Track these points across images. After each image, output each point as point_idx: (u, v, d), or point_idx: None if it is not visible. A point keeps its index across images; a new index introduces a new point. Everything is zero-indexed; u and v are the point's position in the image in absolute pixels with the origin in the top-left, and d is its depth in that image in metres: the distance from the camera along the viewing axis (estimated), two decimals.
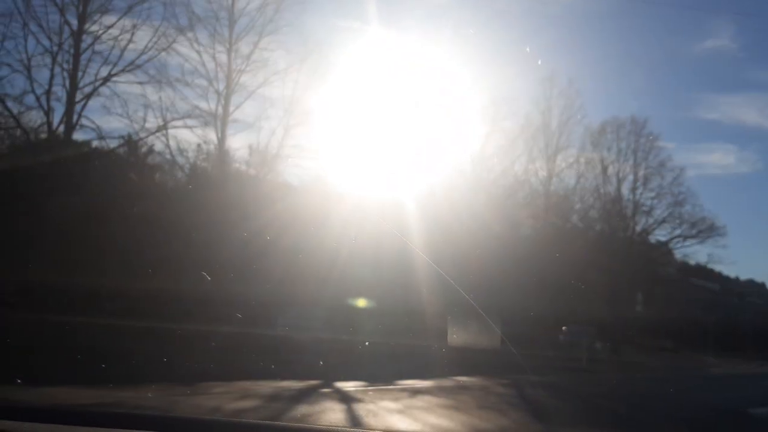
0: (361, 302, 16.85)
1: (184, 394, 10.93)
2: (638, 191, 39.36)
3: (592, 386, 19.18)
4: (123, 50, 24.60)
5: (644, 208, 39.78)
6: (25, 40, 23.53)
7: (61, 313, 15.28)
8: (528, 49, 35.44)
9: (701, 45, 52.44)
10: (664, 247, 42.11)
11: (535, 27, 42.65)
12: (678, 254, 42.07)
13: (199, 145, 26.73)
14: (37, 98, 23.60)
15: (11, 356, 11.63)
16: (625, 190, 39.19)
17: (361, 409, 10.72)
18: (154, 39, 24.89)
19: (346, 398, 11.70)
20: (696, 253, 57.50)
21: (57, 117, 24.17)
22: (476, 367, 16.24)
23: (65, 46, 23.86)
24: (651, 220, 40.09)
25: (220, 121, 26.54)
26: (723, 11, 45.09)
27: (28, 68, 23.52)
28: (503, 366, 19.75)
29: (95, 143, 25.16)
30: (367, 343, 14.75)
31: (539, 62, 36.29)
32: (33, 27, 23.54)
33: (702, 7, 42.38)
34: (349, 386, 13.12)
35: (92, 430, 3.09)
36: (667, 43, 49.82)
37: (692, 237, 40.16)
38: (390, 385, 13.85)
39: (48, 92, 23.47)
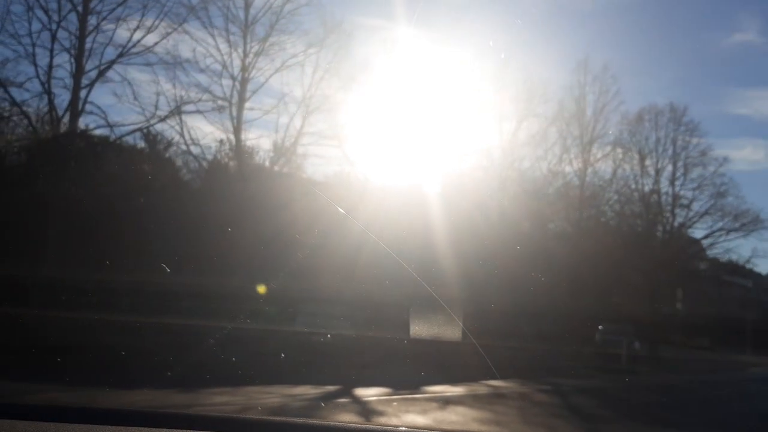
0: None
1: (174, 404, 9.45)
2: (678, 182, 37.27)
3: (642, 392, 17.42)
4: (133, 32, 23.24)
5: (684, 201, 37.66)
6: (30, 24, 22.28)
7: (68, 309, 14.21)
8: (491, 44, 33.04)
9: (730, 39, 50.64)
10: (699, 243, 40.02)
11: (567, 14, 41.01)
12: (719, 248, 39.84)
13: (221, 141, 25.41)
14: (42, 84, 22.38)
15: (20, 354, 10.75)
16: (664, 181, 37.12)
17: (383, 425, 9.12)
18: (161, 16, 23.47)
19: (365, 411, 10.10)
20: (739, 247, 56.18)
21: (64, 104, 22.95)
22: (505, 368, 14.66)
23: (71, 29, 22.58)
24: (691, 213, 37.97)
25: (235, 107, 25.17)
26: (750, 4, 43.07)
27: (33, 54, 22.29)
28: (535, 366, 18.27)
29: (102, 131, 23.89)
30: (401, 341, 13.30)
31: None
32: (37, 11, 22.26)
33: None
34: (370, 394, 11.55)
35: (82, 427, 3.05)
36: (695, 37, 47.88)
37: (735, 230, 37.91)
38: (417, 392, 12.22)
39: (48, 76, 22.19)
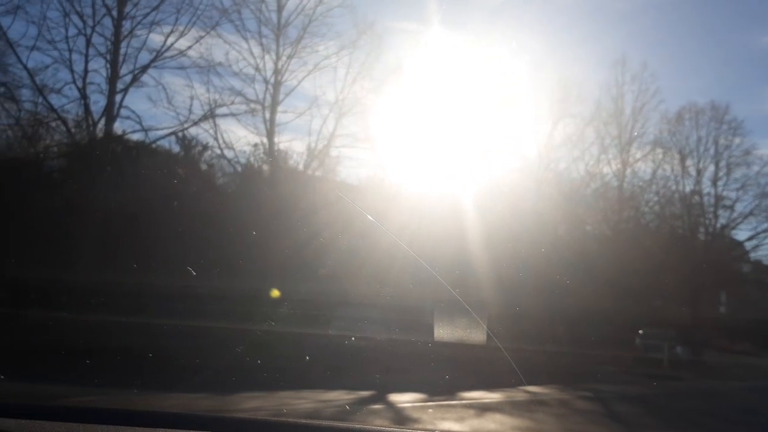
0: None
1: (204, 407, 9.29)
2: (720, 183, 36.23)
3: (685, 398, 16.78)
4: (167, 36, 23.37)
5: (727, 202, 36.59)
6: (66, 30, 22.51)
7: (100, 312, 14.25)
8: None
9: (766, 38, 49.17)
10: (742, 245, 38.89)
11: (602, 14, 40.25)
12: (765, 250, 38.84)
13: (255, 145, 25.39)
14: (79, 89, 22.61)
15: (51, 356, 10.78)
16: (706, 181, 36.11)
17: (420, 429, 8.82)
18: (194, 20, 23.57)
19: (399, 417, 9.82)
20: None
21: (100, 108, 23.17)
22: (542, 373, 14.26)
23: (106, 34, 22.79)
24: (734, 215, 36.87)
25: (268, 110, 25.12)
26: None
27: (70, 60, 22.53)
28: (574, 372, 17.79)
29: (138, 135, 24.07)
30: (426, 344, 12.96)
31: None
32: (73, 17, 22.50)
33: None
34: (405, 400, 11.26)
35: (96, 428, 3.10)
36: (735, 35, 46.69)
37: None
38: (453, 399, 11.89)
39: (84, 81, 22.39)
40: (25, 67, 22.13)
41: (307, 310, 15.31)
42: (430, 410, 10.74)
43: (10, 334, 12.87)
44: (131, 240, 20.74)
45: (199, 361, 12.35)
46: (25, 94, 22.76)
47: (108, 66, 22.92)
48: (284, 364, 13.27)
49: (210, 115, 24.26)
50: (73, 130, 23.16)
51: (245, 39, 25.00)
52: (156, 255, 19.85)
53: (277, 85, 25.39)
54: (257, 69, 25.05)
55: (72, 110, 23.10)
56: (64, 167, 24.67)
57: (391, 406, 10.94)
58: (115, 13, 22.67)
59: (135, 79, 23.05)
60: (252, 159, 26.31)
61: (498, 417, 10.56)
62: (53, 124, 23.04)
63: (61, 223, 21.12)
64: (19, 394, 7.41)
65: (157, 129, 24.10)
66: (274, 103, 25.28)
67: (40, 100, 22.66)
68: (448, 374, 13.66)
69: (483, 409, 11.18)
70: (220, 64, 24.39)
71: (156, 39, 24.01)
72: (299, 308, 14.53)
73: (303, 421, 3.79)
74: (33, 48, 22.09)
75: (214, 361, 12.27)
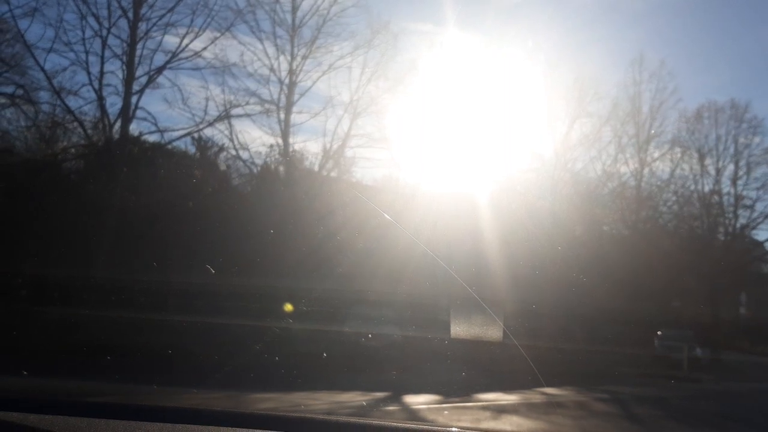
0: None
1: (223, 407, 9.27)
2: (740, 182, 35.84)
3: (705, 401, 16.56)
4: (182, 38, 23.52)
5: (747, 201, 36.20)
6: (83, 32, 22.71)
7: (118, 310, 14.37)
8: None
9: None
10: (763, 245, 38.45)
11: (620, 12, 39.99)
12: None
13: (271, 146, 25.49)
14: (95, 91, 22.79)
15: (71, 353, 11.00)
16: (726, 181, 35.73)
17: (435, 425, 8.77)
18: (209, 21, 23.73)
19: (416, 419, 9.75)
20: None
21: (117, 110, 23.33)
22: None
23: (121, 36, 22.98)
24: (755, 214, 36.46)
25: (283, 110, 25.19)
26: None
27: (86, 62, 22.74)
28: (591, 372, 17.65)
29: (154, 136, 24.23)
30: (443, 342, 12.94)
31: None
32: (89, 19, 22.70)
33: None
34: (420, 401, 11.21)
35: (102, 422, 3.12)
36: (755, 32, 46.07)
37: None
38: (469, 400, 11.82)
39: (100, 83, 22.59)
40: (43, 70, 22.37)
41: (323, 309, 15.32)
42: (446, 412, 10.69)
43: (31, 331, 12.99)
44: (149, 239, 20.83)
45: (218, 358, 12.40)
46: (43, 96, 23.02)
47: (124, 68, 23.13)
48: (301, 361, 13.28)
49: (225, 116, 24.42)
50: (90, 131, 23.36)
51: (260, 40, 25.14)
52: (174, 254, 19.95)
53: (292, 85, 25.47)
54: (272, 70, 25.17)
55: (89, 112, 23.33)
56: (82, 168, 24.88)
57: (406, 407, 10.90)
58: (130, 15, 22.88)
59: (151, 80, 23.24)
60: (267, 160, 26.40)
61: (514, 419, 10.48)
62: (70, 125, 23.24)
63: (79, 222, 21.26)
64: (40, 389, 7.46)
65: (173, 130, 24.27)
66: (289, 104, 25.35)
67: (58, 102, 22.91)
68: (464, 373, 13.59)
69: (499, 410, 11.11)
70: (234, 65, 24.54)
71: (171, 40, 24.26)
72: (316, 306, 14.54)
73: (320, 416, 3.80)
74: (50, 50, 22.37)
75: (232, 358, 12.31)
